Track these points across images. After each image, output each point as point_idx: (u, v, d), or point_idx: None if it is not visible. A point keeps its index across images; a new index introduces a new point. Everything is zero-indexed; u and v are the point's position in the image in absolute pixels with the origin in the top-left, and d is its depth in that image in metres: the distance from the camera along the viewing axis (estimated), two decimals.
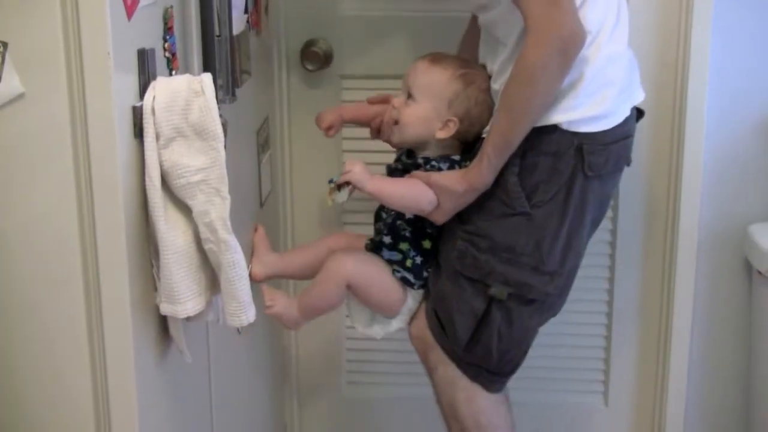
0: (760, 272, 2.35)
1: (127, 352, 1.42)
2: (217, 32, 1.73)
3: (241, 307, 1.58)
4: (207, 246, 1.54)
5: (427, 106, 2.00)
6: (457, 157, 2.01)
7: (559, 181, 1.89)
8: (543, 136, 1.87)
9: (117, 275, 1.39)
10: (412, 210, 2.00)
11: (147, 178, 1.44)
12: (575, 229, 1.94)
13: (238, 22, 1.91)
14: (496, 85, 1.94)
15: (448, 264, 2.00)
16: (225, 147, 1.49)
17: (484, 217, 1.94)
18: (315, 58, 2.44)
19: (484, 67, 2.02)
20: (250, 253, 2.11)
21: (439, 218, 1.98)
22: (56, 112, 1.32)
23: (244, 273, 1.57)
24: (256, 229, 2.17)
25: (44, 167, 1.34)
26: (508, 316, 1.98)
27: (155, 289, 1.52)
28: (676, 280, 2.49)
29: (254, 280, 2.12)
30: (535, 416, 2.65)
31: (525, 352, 2.07)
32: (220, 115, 1.48)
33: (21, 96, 1.31)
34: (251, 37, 2.12)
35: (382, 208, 2.10)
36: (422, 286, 2.07)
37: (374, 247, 2.08)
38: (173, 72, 1.58)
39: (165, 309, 1.51)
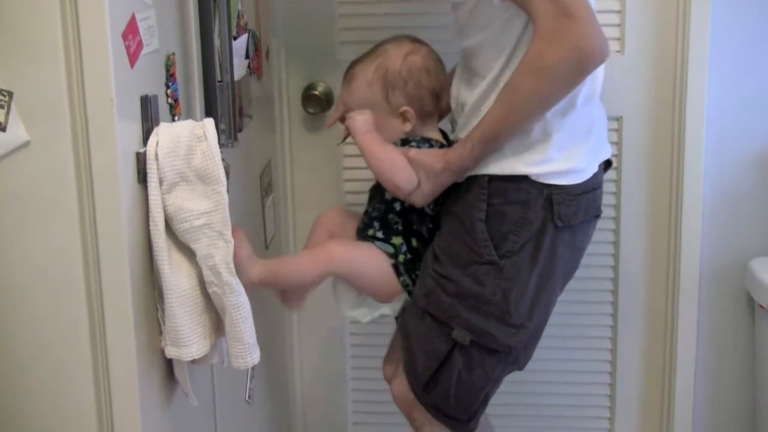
0: (762, 306, 2.35)
1: (133, 395, 1.43)
2: (218, 78, 1.75)
3: (246, 349, 1.59)
4: (211, 289, 1.55)
5: (377, 116, 1.97)
6: (437, 145, 1.98)
7: (528, 232, 1.85)
8: (512, 184, 1.84)
9: (122, 319, 1.40)
10: (387, 180, 1.93)
11: (151, 223, 1.46)
12: (545, 282, 1.90)
13: (240, 67, 1.93)
14: (461, 119, 1.93)
15: (416, 299, 1.97)
16: (228, 191, 1.51)
17: (454, 262, 1.90)
18: (316, 101, 2.46)
19: (395, 39, 2.00)
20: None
21: (418, 200, 1.93)
22: (61, 159, 1.34)
23: (249, 315, 1.58)
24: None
25: (49, 213, 1.36)
26: (469, 363, 1.92)
27: (160, 332, 1.53)
28: (678, 315, 2.50)
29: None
30: None
31: (485, 401, 2.00)
32: (223, 160, 1.50)
33: (26, 144, 1.33)
34: (252, 82, 2.14)
35: (370, 200, 2.06)
36: (409, 291, 1.99)
37: (371, 240, 2.01)
38: (176, 118, 1.59)
39: (170, 352, 1.52)
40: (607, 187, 2.41)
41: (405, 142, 1.97)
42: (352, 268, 1.97)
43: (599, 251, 2.49)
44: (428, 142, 1.98)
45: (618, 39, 2.37)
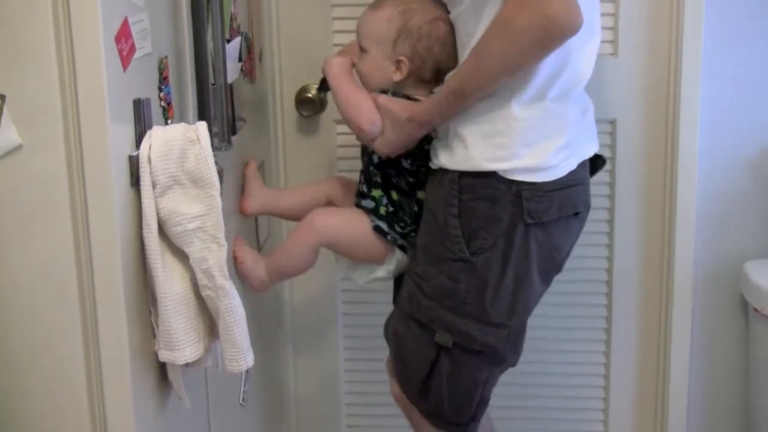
0: (756, 309, 2.35)
1: (126, 399, 1.43)
2: (211, 81, 1.75)
3: (240, 352, 1.59)
4: (205, 292, 1.54)
5: (376, 53, 1.97)
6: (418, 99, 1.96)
7: (498, 229, 1.82)
8: (480, 180, 1.82)
9: (115, 323, 1.40)
10: (350, 121, 1.95)
11: (144, 226, 1.45)
12: (521, 280, 1.87)
13: (233, 70, 1.93)
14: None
15: (401, 304, 1.97)
16: (221, 194, 1.51)
17: (429, 260, 1.90)
18: (309, 104, 2.46)
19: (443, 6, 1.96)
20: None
21: (381, 147, 1.93)
22: (53, 163, 1.34)
23: (242, 319, 1.58)
24: (247, 164, 2.15)
25: (42, 217, 1.35)
26: (456, 366, 1.92)
27: (154, 336, 1.52)
28: (672, 318, 2.50)
29: (244, 214, 2.12)
30: None
31: (482, 403, 1.99)
32: (216, 163, 1.50)
33: (19, 147, 1.33)
34: (245, 85, 2.14)
35: (360, 156, 2.08)
36: (399, 245, 2.00)
37: (360, 198, 2.05)
38: (169, 121, 1.59)
39: (164, 356, 1.51)
40: (601, 189, 2.42)
41: (384, 93, 1.97)
42: (335, 234, 2.01)
43: (593, 254, 2.50)
44: (407, 99, 1.96)
45: (611, 42, 2.37)
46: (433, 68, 1.96)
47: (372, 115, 1.92)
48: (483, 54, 1.76)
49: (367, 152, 2.03)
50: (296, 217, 2.13)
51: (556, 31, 1.68)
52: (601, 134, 2.37)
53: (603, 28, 2.33)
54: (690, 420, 2.58)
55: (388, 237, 1.99)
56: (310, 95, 2.45)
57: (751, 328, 2.45)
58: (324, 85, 2.06)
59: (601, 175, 2.41)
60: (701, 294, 2.51)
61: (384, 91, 1.96)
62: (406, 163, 1.99)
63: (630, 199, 2.47)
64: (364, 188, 2.03)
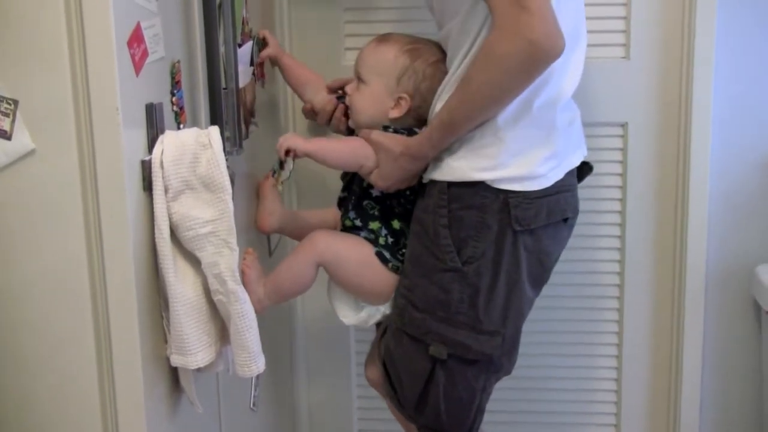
0: None
1: (138, 404, 1.43)
2: (223, 85, 1.75)
3: (251, 357, 1.59)
4: (216, 297, 1.55)
5: (377, 86, 1.98)
6: (417, 131, 1.96)
7: (488, 237, 1.82)
8: (468, 189, 1.82)
9: (128, 328, 1.40)
10: (350, 165, 1.95)
11: (156, 231, 1.46)
12: (512, 287, 1.86)
13: (244, 74, 1.93)
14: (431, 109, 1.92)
15: (392, 320, 1.96)
16: (233, 198, 1.51)
17: (418, 272, 1.89)
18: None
19: (435, 43, 1.98)
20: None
21: (379, 181, 1.92)
22: (66, 168, 1.34)
23: (254, 323, 1.58)
24: (266, 178, 2.13)
25: (55, 222, 1.36)
26: (452, 377, 1.90)
27: (165, 341, 1.52)
28: (684, 321, 2.49)
29: (263, 231, 2.12)
30: None
31: (479, 413, 1.97)
32: (228, 167, 1.50)
33: (32, 152, 1.34)
34: (257, 89, 2.14)
35: (342, 198, 2.08)
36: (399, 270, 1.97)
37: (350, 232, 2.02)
38: (181, 125, 1.59)
39: (175, 360, 1.52)
40: (612, 192, 2.42)
41: (386, 129, 1.97)
42: (337, 255, 1.96)
43: (605, 257, 2.49)
44: (406, 130, 1.96)
45: (623, 45, 2.37)
46: (430, 109, 1.95)
47: (367, 151, 1.92)
48: (469, 83, 1.76)
49: (361, 186, 2.01)
50: None
51: (538, 56, 1.68)
52: (612, 137, 2.38)
53: (615, 31, 2.35)
54: (702, 422, 2.57)
55: (390, 265, 1.96)
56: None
57: (764, 331, 2.44)
58: (282, 164, 2.03)
59: (613, 179, 2.42)
60: (713, 297, 2.49)
61: (386, 127, 1.97)
62: (407, 192, 1.99)
63: (642, 202, 2.46)
64: (358, 222, 2.00)
